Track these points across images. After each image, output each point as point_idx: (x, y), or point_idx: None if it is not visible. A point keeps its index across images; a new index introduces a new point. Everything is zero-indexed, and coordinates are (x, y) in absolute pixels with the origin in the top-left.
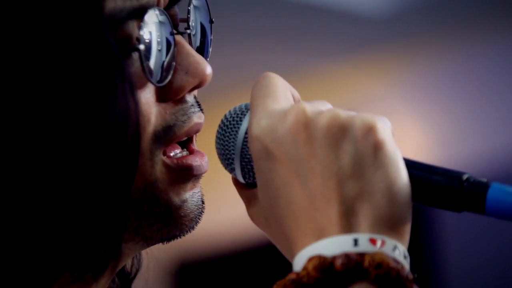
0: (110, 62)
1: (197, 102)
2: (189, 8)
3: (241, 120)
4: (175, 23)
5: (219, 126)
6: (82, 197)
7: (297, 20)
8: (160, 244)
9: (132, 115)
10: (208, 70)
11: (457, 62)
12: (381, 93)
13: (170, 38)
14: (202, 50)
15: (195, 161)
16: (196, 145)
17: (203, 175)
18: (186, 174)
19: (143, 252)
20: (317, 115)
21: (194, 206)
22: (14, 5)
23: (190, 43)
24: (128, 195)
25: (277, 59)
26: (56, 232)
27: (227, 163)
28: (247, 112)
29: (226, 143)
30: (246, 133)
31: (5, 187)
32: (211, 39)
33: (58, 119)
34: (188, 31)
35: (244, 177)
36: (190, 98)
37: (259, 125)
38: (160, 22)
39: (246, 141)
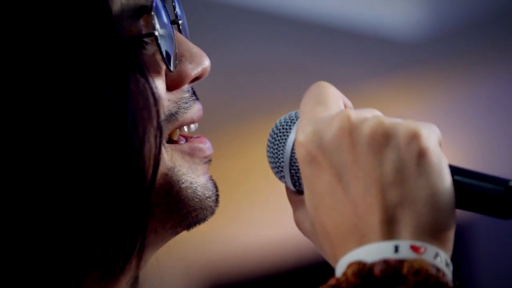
0: (128, 60)
1: (194, 92)
2: (173, 3)
3: (290, 128)
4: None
5: (270, 134)
6: (103, 194)
7: (331, 44)
8: (192, 265)
9: (153, 110)
10: (208, 61)
11: (490, 87)
12: (413, 117)
13: (170, 29)
14: None
15: (202, 142)
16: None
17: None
18: (199, 156)
19: (176, 271)
20: (361, 122)
21: (213, 188)
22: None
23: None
24: (152, 186)
25: (311, 82)
26: (79, 229)
27: (277, 171)
28: (296, 120)
29: (276, 151)
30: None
31: (30, 183)
32: (188, 34)
33: (85, 119)
34: (180, 21)
35: (294, 185)
36: (189, 88)
37: (304, 131)
38: (162, 15)
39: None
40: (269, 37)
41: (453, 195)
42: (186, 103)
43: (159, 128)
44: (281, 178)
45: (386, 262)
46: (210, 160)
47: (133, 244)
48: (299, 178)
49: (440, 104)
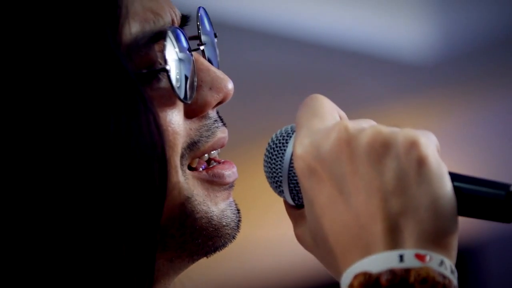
0: (132, 96)
1: (219, 117)
2: (198, 23)
3: (287, 142)
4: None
5: (266, 149)
6: (113, 230)
7: (342, 66)
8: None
9: (157, 145)
10: (230, 85)
11: (499, 109)
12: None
13: (189, 56)
14: (211, 63)
15: (225, 169)
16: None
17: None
18: (219, 183)
19: None
20: (359, 132)
21: (233, 215)
22: (26, 52)
23: (204, 58)
24: (159, 221)
25: None
26: (90, 265)
27: (276, 186)
28: (292, 133)
29: (273, 166)
30: (292, 154)
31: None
32: (217, 52)
33: (86, 156)
34: (202, 47)
35: (293, 200)
36: (213, 114)
37: (302, 144)
38: (180, 42)
39: (293, 163)
40: (284, 60)
41: (454, 201)
42: (208, 130)
43: (164, 162)
44: (280, 193)
45: (392, 272)
46: (232, 186)
47: (141, 279)
48: (298, 192)
49: (450, 126)
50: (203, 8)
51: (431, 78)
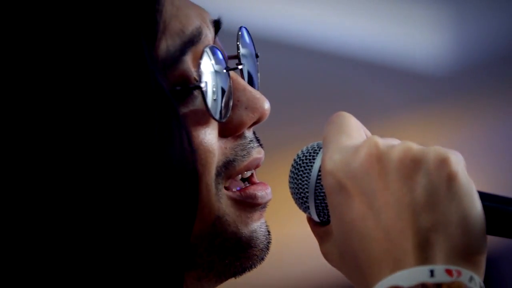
0: (166, 112)
1: (256, 137)
2: (238, 43)
3: (314, 159)
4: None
5: (292, 165)
6: (141, 245)
7: (358, 76)
8: None
9: (189, 163)
10: (267, 105)
11: None
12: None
13: (226, 75)
14: (251, 84)
15: (258, 190)
16: (256, 178)
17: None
18: (251, 204)
19: None
20: (389, 148)
21: (263, 237)
22: (67, 68)
23: (242, 78)
24: (189, 239)
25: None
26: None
27: (301, 202)
28: (319, 150)
29: (300, 182)
30: (319, 171)
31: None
32: (258, 73)
33: (119, 169)
34: (240, 66)
35: (318, 216)
36: (249, 133)
37: (331, 159)
38: (216, 60)
39: (320, 179)
40: (300, 69)
41: (483, 218)
42: (244, 149)
43: (195, 179)
44: (305, 209)
45: (424, 286)
46: (264, 207)
47: None
48: (323, 208)
49: (465, 136)
50: (245, 27)
51: (446, 88)
